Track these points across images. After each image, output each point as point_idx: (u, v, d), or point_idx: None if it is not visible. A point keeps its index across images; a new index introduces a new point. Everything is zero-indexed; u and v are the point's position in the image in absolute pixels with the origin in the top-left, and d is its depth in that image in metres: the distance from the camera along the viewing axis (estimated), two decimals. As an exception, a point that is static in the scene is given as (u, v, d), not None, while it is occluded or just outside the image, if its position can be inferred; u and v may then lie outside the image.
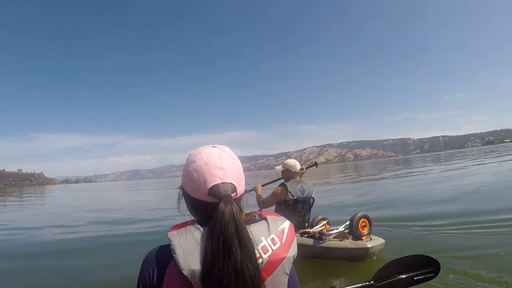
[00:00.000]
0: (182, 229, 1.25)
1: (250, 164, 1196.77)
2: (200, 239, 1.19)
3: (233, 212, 1.19)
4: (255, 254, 1.18)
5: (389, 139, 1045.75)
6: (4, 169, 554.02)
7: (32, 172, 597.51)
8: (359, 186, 23.65)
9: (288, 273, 1.26)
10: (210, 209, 1.25)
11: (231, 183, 1.28)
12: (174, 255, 1.17)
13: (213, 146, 1.38)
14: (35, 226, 13.66)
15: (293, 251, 1.27)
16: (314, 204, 6.49)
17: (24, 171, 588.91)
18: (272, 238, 1.25)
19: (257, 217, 1.33)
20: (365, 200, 14.68)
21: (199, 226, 1.24)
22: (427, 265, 2.28)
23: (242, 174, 1.37)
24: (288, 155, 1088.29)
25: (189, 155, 1.41)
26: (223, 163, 1.30)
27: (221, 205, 1.20)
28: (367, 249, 5.55)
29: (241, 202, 1.38)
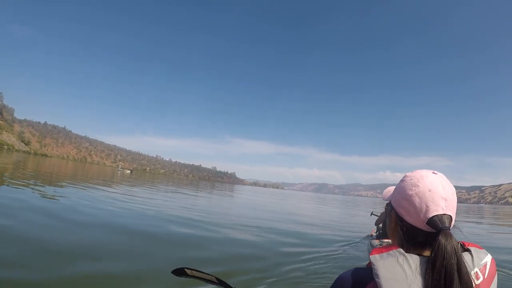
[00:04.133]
0: (385, 253, 1.23)
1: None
2: (406, 267, 1.18)
3: (454, 247, 1.17)
4: None
5: None
6: (200, 165, 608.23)
7: (225, 171, 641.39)
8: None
9: None
10: (421, 238, 1.27)
11: (449, 215, 1.26)
12: (376, 279, 1.16)
13: (433, 172, 1.35)
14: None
15: (493, 287, 1.26)
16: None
17: (218, 169, 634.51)
18: (476, 272, 1.22)
19: (461, 248, 1.29)
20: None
21: (404, 253, 1.22)
22: None
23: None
24: (482, 190, 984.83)
25: (406, 176, 1.40)
26: (446, 193, 1.28)
27: (442, 238, 1.18)
28: None
29: None
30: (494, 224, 27.84)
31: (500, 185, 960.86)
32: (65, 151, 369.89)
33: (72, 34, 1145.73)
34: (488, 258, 1.28)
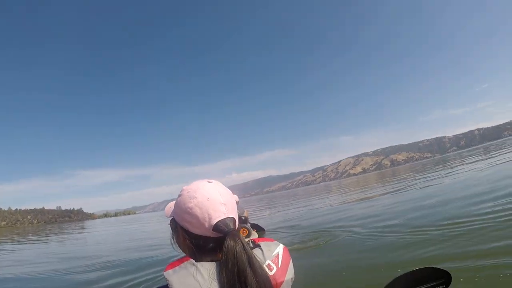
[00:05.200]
0: (177, 267, 1.25)
1: (287, 182, 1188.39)
2: (199, 277, 1.20)
3: (243, 245, 1.22)
4: (269, 279, 1.21)
5: (424, 140, 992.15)
6: (43, 207, 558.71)
7: (71, 208, 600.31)
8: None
9: None
10: (212, 245, 1.31)
11: (232, 217, 1.33)
12: None
13: (208, 181, 1.40)
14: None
15: (290, 274, 1.31)
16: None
17: (63, 208, 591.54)
18: (268, 264, 1.27)
19: (251, 245, 1.34)
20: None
21: (195, 263, 1.24)
22: (438, 277, 1.97)
23: (235, 205, 1.42)
24: (324, 169, 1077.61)
25: (183, 190, 1.42)
26: (224, 199, 1.34)
27: (229, 240, 1.22)
28: None
29: None
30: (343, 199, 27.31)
31: (340, 161, 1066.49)
32: None
33: None
34: (279, 248, 1.35)
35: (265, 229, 13.80)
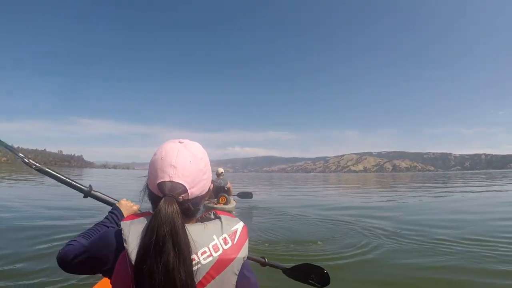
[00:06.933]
0: (136, 219, 1.26)
1: (288, 165, 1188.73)
2: (140, 228, 1.21)
3: (170, 213, 1.16)
4: (190, 260, 1.16)
5: (430, 152, 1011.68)
6: (45, 149, 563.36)
7: (72, 154, 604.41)
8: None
9: (237, 273, 1.25)
10: (158, 203, 1.24)
11: (181, 183, 1.25)
12: (125, 245, 1.18)
13: (179, 142, 1.36)
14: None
15: (244, 252, 1.28)
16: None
17: (64, 153, 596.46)
18: (224, 238, 1.25)
19: (212, 216, 1.35)
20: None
21: (147, 218, 1.24)
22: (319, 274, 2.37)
23: (204, 175, 1.34)
24: (326, 160, 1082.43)
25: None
26: (177, 161, 1.27)
27: (161, 203, 1.18)
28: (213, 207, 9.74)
29: (201, 204, 1.37)
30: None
31: (343, 155, 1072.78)
32: None
33: None
34: (239, 226, 1.32)
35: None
